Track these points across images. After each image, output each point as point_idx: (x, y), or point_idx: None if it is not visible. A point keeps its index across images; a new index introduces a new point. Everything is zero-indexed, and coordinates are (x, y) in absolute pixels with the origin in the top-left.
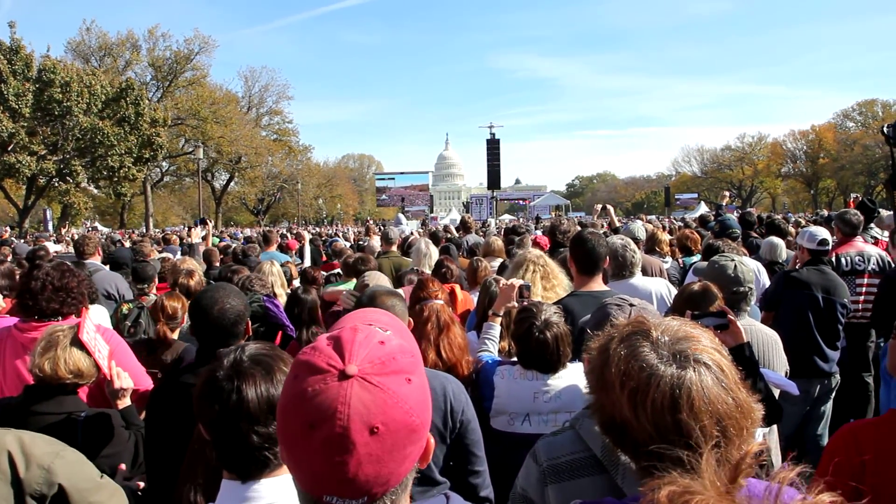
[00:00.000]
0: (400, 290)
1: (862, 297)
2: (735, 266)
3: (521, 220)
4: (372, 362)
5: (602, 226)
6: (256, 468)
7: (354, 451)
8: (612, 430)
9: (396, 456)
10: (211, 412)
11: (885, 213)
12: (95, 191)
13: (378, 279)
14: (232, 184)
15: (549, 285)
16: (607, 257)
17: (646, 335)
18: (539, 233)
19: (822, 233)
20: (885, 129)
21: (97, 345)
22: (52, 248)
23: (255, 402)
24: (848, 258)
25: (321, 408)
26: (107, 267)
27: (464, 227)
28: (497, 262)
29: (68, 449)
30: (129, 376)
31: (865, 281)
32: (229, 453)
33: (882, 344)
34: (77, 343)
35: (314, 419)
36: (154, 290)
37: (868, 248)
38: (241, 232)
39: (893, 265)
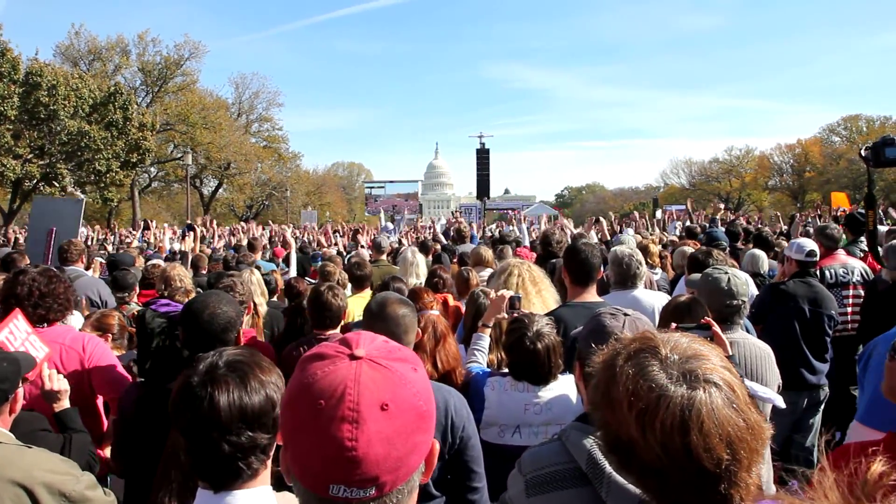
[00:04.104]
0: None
1: (850, 309)
2: (728, 279)
3: (512, 222)
4: (379, 350)
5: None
6: (229, 478)
7: (365, 427)
8: (618, 450)
9: (406, 441)
10: (183, 419)
11: (882, 228)
12: (82, 195)
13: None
14: (220, 190)
15: (537, 289)
16: (601, 268)
17: (654, 353)
18: (527, 243)
19: (810, 244)
20: (862, 152)
21: (25, 346)
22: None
23: (227, 410)
24: (832, 271)
25: (331, 386)
26: (89, 273)
27: (459, 236)
28: (487, 272)
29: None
30: (106, 382)
31: (851, 293)
32: (202, 461)
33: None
34: None
35: (324, 397)
36: (135, 299)
37: (851, 261)
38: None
39: (878, 276)
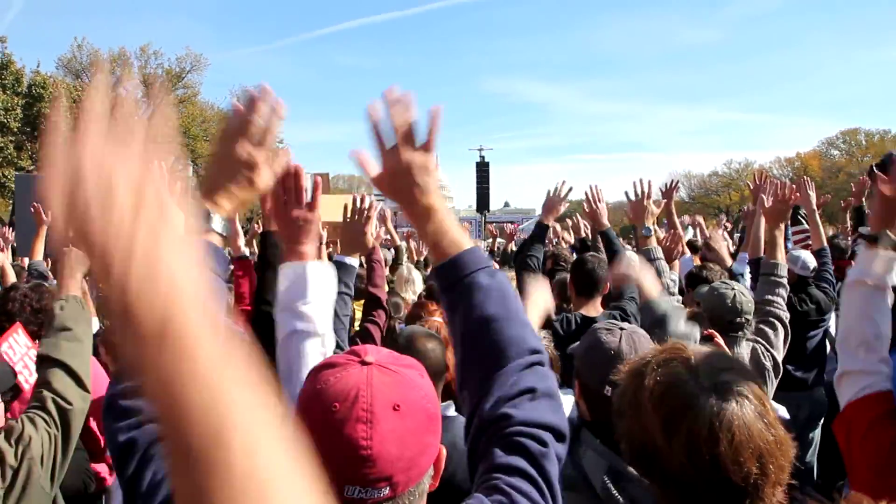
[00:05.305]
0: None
1: None
2: (734, 296)
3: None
4: (386, 357)
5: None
6: None
7: (379, 426)
8: (641, 458)
9: (418, 441)
10: None
11: None
12: None
13: None
14: None
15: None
16: (608, 282)
17: (685, 362)
18: None
19: (813, 261)
20: (874, 168)
21: (25, 360)
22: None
23: None
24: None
25: (345, 389)
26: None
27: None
28: None
29: None
30: (98, 398)
31: None
32: None
33: None
34: None
35: (339, 400)
36: None
37: None
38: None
39: None
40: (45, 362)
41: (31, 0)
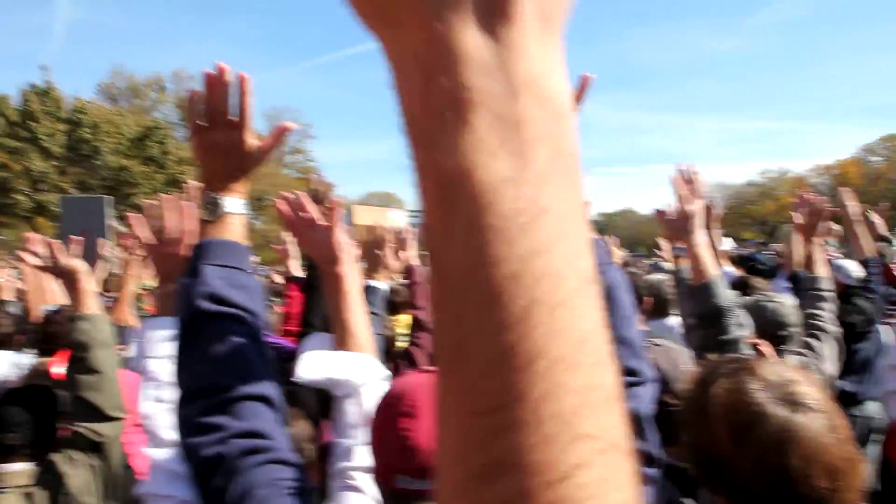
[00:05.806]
0: None
1: None
2: (776, 308)
3: None
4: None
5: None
6: None
7: (421, 420)
8: (707, 467)
9: None
10: None
11: None
12: (123, 228)
13: None
14: (257, 222)
15: None
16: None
17: (753, 373)
18: None
19: (856, 269)
20: None
21: None
22: None
23: None
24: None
25: (396, 389)
26: None
27: None
28: None
29: None
30: None
31: None
32: None
33: None
34: None
35: (391, 399)
36: None
37: None
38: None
39: None
40: (68, 396)
41: (73, 30)
